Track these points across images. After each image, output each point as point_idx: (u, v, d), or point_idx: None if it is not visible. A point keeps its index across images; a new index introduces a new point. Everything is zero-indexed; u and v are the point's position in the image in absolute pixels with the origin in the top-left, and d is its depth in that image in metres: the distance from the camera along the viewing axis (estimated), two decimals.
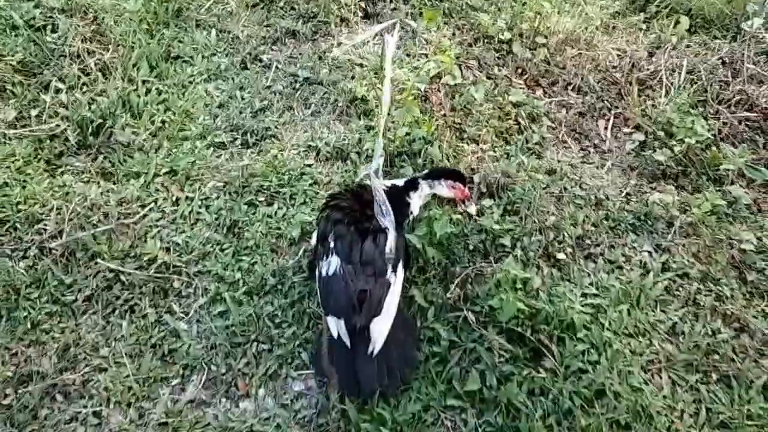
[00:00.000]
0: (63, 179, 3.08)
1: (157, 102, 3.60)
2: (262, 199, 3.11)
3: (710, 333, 2.72)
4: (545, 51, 4.21)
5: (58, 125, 3.32)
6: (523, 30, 4.44)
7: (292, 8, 4.41)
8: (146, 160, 3.21)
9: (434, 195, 2.93)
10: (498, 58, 4.20)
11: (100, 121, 3.36)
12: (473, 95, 3.54)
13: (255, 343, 2.57)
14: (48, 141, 3.28)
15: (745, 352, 2.67)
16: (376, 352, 2.27)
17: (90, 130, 3.33)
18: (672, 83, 4.26)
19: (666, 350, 2.65)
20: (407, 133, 3.23)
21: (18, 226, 2.85)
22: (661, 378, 2.56)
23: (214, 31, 4.16)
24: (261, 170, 3.20)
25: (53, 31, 3.86)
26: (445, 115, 3.54)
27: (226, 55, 4.04)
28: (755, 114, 4.19)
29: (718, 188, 3.40)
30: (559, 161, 3.44)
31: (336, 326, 2.29)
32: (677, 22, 4.85)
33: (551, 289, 2.79)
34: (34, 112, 3.40)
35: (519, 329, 2.61)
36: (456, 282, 2.78)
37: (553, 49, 4.31)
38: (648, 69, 4.42)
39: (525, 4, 4.63)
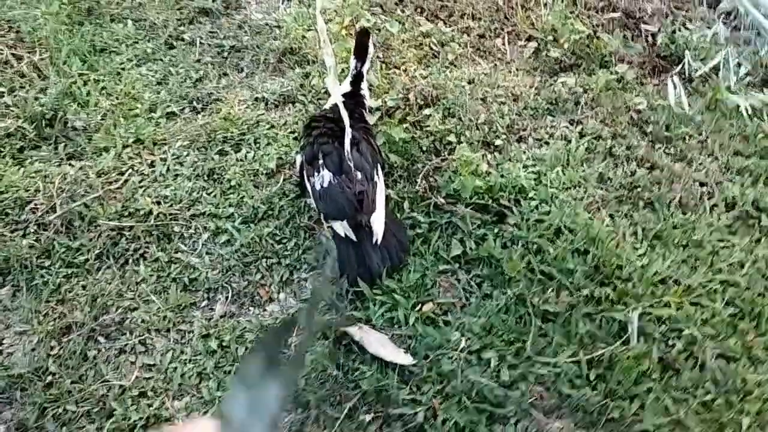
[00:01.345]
0: (35, 167, 3.23)
1: (98, 90, 3.78)
2: (228, 148, 3.39)
3: (630, 174, 3.31)
4: None
5: (12, 123, 3.42)
6: None
7: None
8: (110, 137, 3.40)
9: None
10: (396, 3, 4.66)
11: (52, 113, 3.50)
12: (389, 30, 3.98)
13: (264, 259, 2.88)
14: (6, 139, 3.39)
15: (659, 182, 3.28)
16: (379, 240, 2.66)
17: (44, 122, 3.47)
18: (547, 2, 4.89)
19: (599, 194, 3.20)
20: (343, 70, 3.61)
21: (8, 211, 2.99)
22: (601, 213, 3.12)
23: (130, 22, 4.34)
24: (220, 125, 3.48)
25: None
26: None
27: (149, 41, 4.25)
28: (618, 14, 4.91)
29: (606, 69, 4.03)
30: (476, 72, 3.94)
31: (341, 227, 2.66)
32: None
33: (498, 168, 3.28)
34: None
35: (482, 202, 3.08)
36: (420, 177, 3.21)
37: None
38: None
39: None
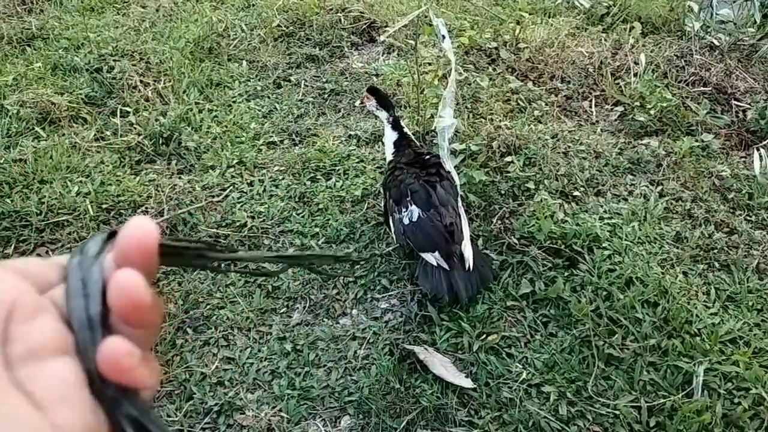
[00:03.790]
0: (149, 177, 3.61)
1: (210, 118, 4.19)
2: (320, 176, 3.67)
3: (707, 236, 3.33)
4: (528, 53, 4.96)
5: (134, 138, 3.85)
6: (506, 40, 5.20)
7: (308, 39, 5.10)
8: (217, 158, 3.76)
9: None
10: (489, 63, 4.92)
11: (169, 133, 3.91)
12: (479, 83, 4.22)
13: (342, 277, 3.08)
14: (127, 151, 3.81)
15: (737, 246, 3.28)
16: (471, 265, 2.83)
17: (161, 140, 3.88)
18: (637, 72, 5.03)
19: (674, 252, 3.24)
20: (432, 115, 3.86)
21: (122, 212, 3.36)
22: (675, 270, 3.14)
23: (245, 63, 4.80)
24: (314, 156, 3.78)
25: (109, 71, 4.45)
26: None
27: (259, 80, 4.67)
28: (709, 89, 4.98)
29: (692, 137, 4.09)
30: (560, 129, 4.10)
31: (433, 258, 2.84)
32: (632, 28, 5.69)
33: (574, 217, 3.39)
34: (109, 132, 3.95)
35: (555, 246, 3.18)
36: (496, 218, 3.36)
37: (534, 51, 5.06)
38: (613, 64, 5.21)
39: (503, 22, 5.42)
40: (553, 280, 3.05)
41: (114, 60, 4.54)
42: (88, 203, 3.35)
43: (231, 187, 3.58)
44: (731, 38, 5.61)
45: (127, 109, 4.13)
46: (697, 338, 2.78)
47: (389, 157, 3.23)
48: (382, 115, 3.26)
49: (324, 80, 4.66)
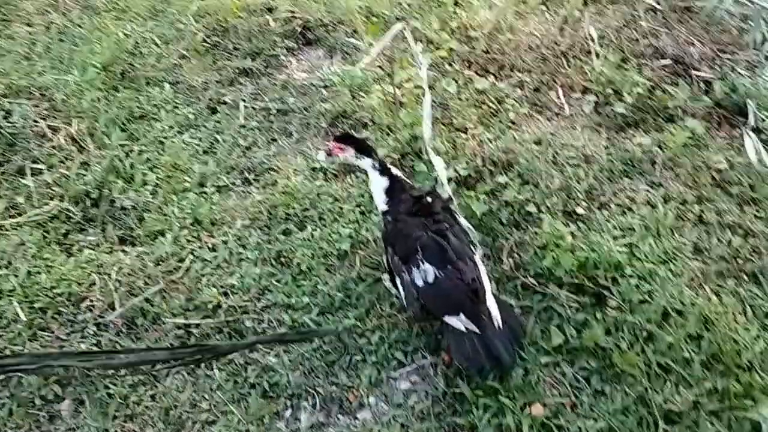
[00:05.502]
0: (85, 255, 2.96)
1: (141, 162, 3.53)
2: (292, 226, 3.15)
3: (726, 243, 3.08)
4: (483, 43, 4.54)
5: (56, 206, 3.16)
6: (453, 27, 4.76)
7: (236, 48, 4.45)
8: (163, 218, 3.15)
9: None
10: (443, 58, 4.46)
11: (97, 191, 3.25)
12: (447, 89, 3.77)
13: (348, 357, 2.61)
14: (50, 223, 3.13)
15: (758, 251, 3.05)
16: (501, 324, 2.43)
17: (89, 202, 3.22)
18: (592, 50, 4.73)
19: (697, 267, 2.97)
20: (411, 135, 3.40)
21: (62, 309, 2.72)
22: (705, 290, 2.87)
23: (167, 85, 4.12)
24: (280, 200, 3.24)
25: (6, 117, 3.67)
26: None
27: (188, 105, 4.02)
28: (668, 61, 4.75)
29: (674, 124, 3.83)
30: (541, 132, 3.73)
31: (458, 322, 2.41)
32: None
33: (584, 239, 3.05)
34: (20, 199, 3.23)
35: (576, 281, 2.84)
36: (504, 254, 2.97)
37: (487, 39, 4.64)
38: (566, 42, 4.89)
39: (441, 5, 4.97)
40: (584, 324, 2.72)
41: (8, 101, 3.74)
42: (16, 305, 2.69)
43: (190, 256, 3.00)
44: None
45: (38, 166, 3.42)
46: (751, 372, 2.52)
47: (382, 206, 2.74)
48: (365, 162, 2.74)
49: (266, 98, 4.06)
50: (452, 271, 2.48)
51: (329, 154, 2.78)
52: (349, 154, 2.72)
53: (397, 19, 4.75)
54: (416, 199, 2.68)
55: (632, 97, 3.98)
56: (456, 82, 3.99)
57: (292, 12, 4.65)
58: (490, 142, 3.56)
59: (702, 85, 4.53)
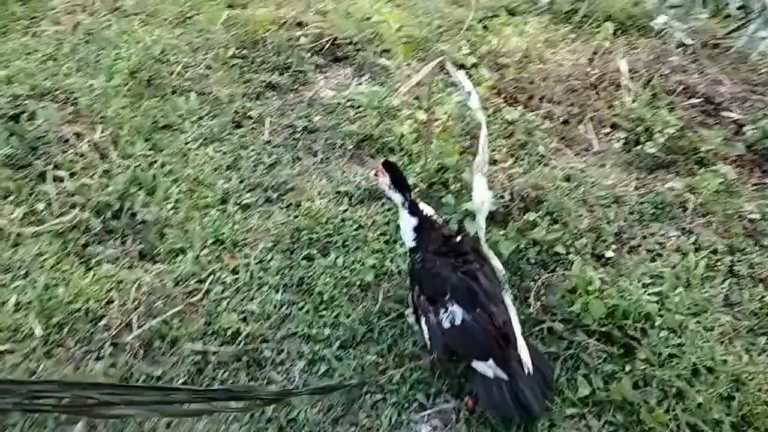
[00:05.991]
0: (104, 269, 2.90)
1: (164, 174, 3.48)
2: (315, 251, 3.08)
3: (758, 298, 3.01)
4: (513, 71, 4.48)
5: (76, 215, 3.11)
6: (482, 53, 4.71)
7: (264, 62, 4.41)
8: (185, 236, 3.09)
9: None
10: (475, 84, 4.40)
11: (118, 203, 3.20)
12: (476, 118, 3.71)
13: (368, 395, 2.54)
14: (69, 233, 3.08)
15: None
16: (532, 371, 2.35)
17: (110, 214, 3.17)
18: (620, 82, 4.67)
19: (727, 321, 2.89)
20: (440, 165, 3.34)
21: (78, 326, 2.66)
22: (734, 347, 2.80)
23: (193, 95, 4.07)
24: (304, 224, 3.18)
25: (29, 119, 3.63)
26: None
27: (214, 117, 3.97)
28: (700, 100, 4.69)
29: (707, 169, 3.76)
30: (570, 168, 3.67)
31: (486, 367, 2.34)
32: (599, 26, 5.36)
33: (613, 285, 2.98)
34: (40, 206, 3.18)
35: (604, 329, 2.76)
36: (532, 296, 2.90)
37: (516, 67, 4.59)
38: (594, 73, 4.84)
39: (470, 28, 4.93)
40: (612, 376, 2.65)
41: (33, 102, 3.70)
42: (33, 318, 2.63)
43: (210, 277, 2.93)
44: (697, 35, 5.39)
45: (60, 172, 3.36)
46: None
47: (410, 244, 2.67)
48: (396, 198, 2.67)
49: (292, 115, 4.01)
50: (482, 314, 2.41)
51: (375, 174, 2.76)
52: (384, 181, 2.67)
53: (426, 40, 4.72)
54: (446, 239, 2.61)
55: (663, 137, 3.91)
56: (485, 109, 3.92)
57: (323, 28, 4.61)
58: (520, 176, 3.50)
59: (732, 126, 4.47)
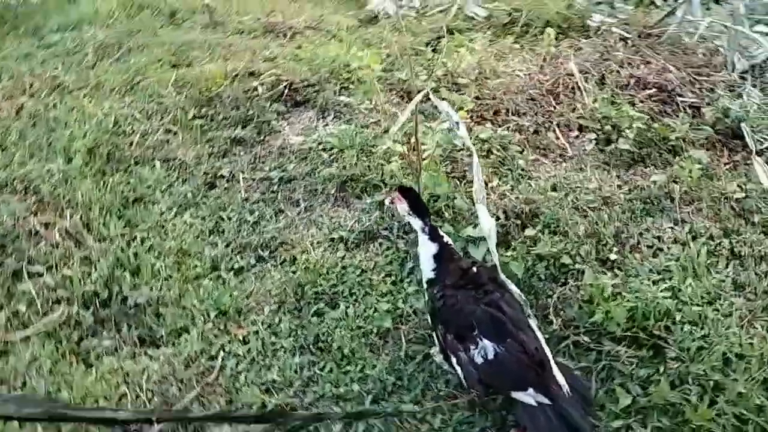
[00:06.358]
0: (106, 364, 2.72)
1: (146, 250, 3.32)
2: (323, 305, 2.98)
3: (764, 276, 3.05)
4: (473, 89, 4.50)
5: (64, 312, 2.92)
6: (440, 77, 4.73)
7: (225, 118, 4.30)
8: (184, 312, 2.94)
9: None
10: (435, 108, 4.40)
11: (105, 291, 3.02)
12: (453, 141, 3.69)
13: None
14: (60, 331, 2.88)
15: None
16: (568, 389, 2.29)
17: (98, 303, 2.99)
18: (580, 85, 4.76)
19: (741, 304, 2.92)
20: (431, 195, 3.29)
21: (92, 429, 2.47)
22: (756, 328, 2.82)
23: (157, 163, 3.92)
24: (304, 278, 3.07)
25: None
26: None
27: (184, 182, 3.83)
28: (653, 90, 4.82)
29: (680, 156, 3.84)
30: (553, 176, 3.68)
31: (528, 397, 2.27)
32: (542, 32, 5.49)
33: (625, 287, 2.97)
34: (22, 307, 2.98)
35: (629, 333, 2.75)
36: (551, 311, 2.87)
37: (475, 84, 4.61)
38: (547, 79, 4.92)
39: (431, 56, 4.96)
40: (648, 380, 2.62)
41: None
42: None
43: (221, 352, 2.78)
44: (632, 27, 5.58)
45: (36, 267, 3.16)
46: None
47: (428, 274, 2.60)
48: (416, 223, 2.63)
49: (265, 167, 3.90)
50: (512, 344, 2.35)
51: (392, 201, 2.73)
52: (402, 208, 2.62)
53: (384, 70, 4.70)
54: (464, 271, 2.55)
55: (632, 132, 3.98)
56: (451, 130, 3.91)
57: (277, 75, 4.53)
58: (509, 193, 3.48)
59: (690, 110, 4.59)
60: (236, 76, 4.59)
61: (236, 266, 3.24)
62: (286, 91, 4.48)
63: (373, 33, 5.67)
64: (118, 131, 4.17)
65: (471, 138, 3.79)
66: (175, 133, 4.17)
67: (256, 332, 2.86)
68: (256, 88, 4.42)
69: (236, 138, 4.12)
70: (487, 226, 2.65)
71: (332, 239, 3.34)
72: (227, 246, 3.37)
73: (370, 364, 2.70)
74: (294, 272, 3.15)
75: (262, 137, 4.17)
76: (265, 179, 3.82)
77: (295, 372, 2.69)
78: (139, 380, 2.63)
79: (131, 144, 4.05)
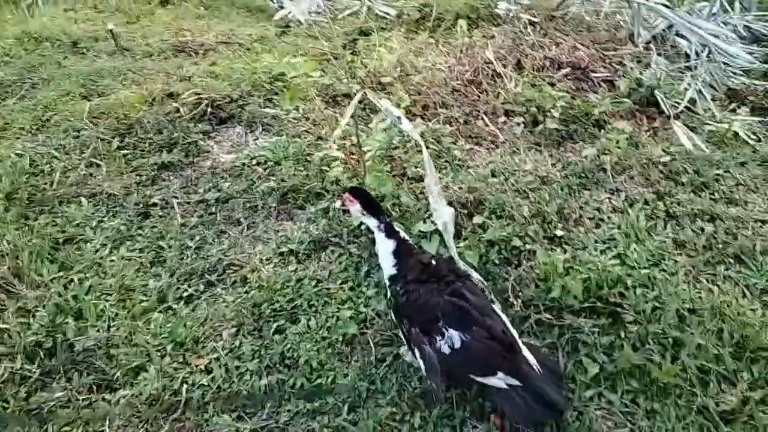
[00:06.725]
0: (63, 417, 2.55)
1: (85, 292, 3.14)
2: (284, 321, 2.90)
3: (700, 232, 3.20)
4: (399, 88, 4.52)
5: (7, 367, 2.72)
6: (363, 78, 4.72)
7: (149, 144, 4.13)
8: (138, 350, 2.79)
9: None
10: (362, 109, 4.40)
11: (49, 341, 2.84)
12: (393, 140, 3.69)
13: None
14: (5, 389, 2.68)
15: (730, 232, 3.19)
16: (539, 368, 2.32)
17: (43, 354, 2.81)
18: (501, 72, 4.86)
19: (686, 261, 3.05)
20: (377, 195, 3.27)
21: None
22: (701, 282, 2.95)
23: (83, 200, 3.72)
24: (261, 297, 2.99)
25: None
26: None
27: (115, 216, 3.65)
28: (567, 69, 4.98)
29: (605, 129, 3.99)
30: (490, 163, 3.74)
31: (498, 380, 2.28)
32: (454, 24, 5.60)
33: (576, 261, 3.05)
34: None
35: (586, 304, 2.82)
36: (510, 294, 2.90)
37: (399, 83, 4.64)
38: (467, 70, 5.01)
39: (350, 58, 4.94)
40: (611, 346, 2.69)
41: None
42: None
43: (184, 385, 2.66)
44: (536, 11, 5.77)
45: None
46: None
47: (390, 271, 2.59)
48: (371, 222, 2.61)
49: (199, 190, 3.78)
50: (479, 330, 2.36)
51: (343, 203, 2.74)
52: (355, 209, 2.59)
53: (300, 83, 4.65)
54: (424, 265, 2.55)
55: (558, 111, 4.10)
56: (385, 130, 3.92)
57: (197, 94, 4.40)
58: (451, 184, 3.51)
59: (604, 85, 4.79)
60: (154, 99, 4.42)
61: (185, 295, 3.11)
62: (209, 109, 4.35)
63: (289, 42, 5.61)
64: (36, 171, 3.93)
65: (406, 134, 3.81)
66: (98, 166, 3.96)
67: (218, 359, 2.75)
68: (177, 110, 4.27)
69: (164, 163, 3.97)
70: (447, 214, 2.65)
71: (282, 253, 3.27)
72: (172, 275, 3.23)
73: (341, 373, 2.65)
74: (247, 292, 3.06)
75: (190, 159, 4.03)
76: (201, 202, 3.69)
77: (265, 393, 2.61)
78: (101, 428, 2.48)
79: (52, 183, 3.82)
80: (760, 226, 3.23)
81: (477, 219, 3.25)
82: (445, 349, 2.35)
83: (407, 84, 4.59)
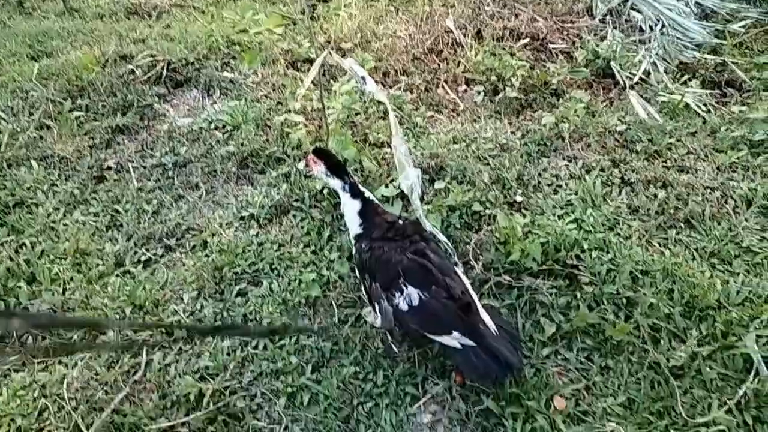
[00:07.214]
0: (17, 380, 2.49)
1: (37, 256, 3.06)
2: (246, 284, 2.89)
3: (653, 197, 3.30)
4: (358, 54, 4.49)
5: None
6: (323, 43, 4.66)
7: (103, 106, 4.00)
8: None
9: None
10: (323, 74, 4.35)
11: (1, 303, 2.76)
12: (353, 107, 3.67)
13: (360, 407, 2.44)
14: None
15: (680, 198, 3.30)
16: (495, 329, 2.37)
17: None
18: (461, 41, 4.88)
19: (640, 225, 3.15)
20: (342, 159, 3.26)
21: None
22: (653, 246, 3.05)
23: (33, 163, 3.60)
24: (222, 260, 2.96)
25: None
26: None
27: (68, 179, 3.55)
28: (527, 40, 5.02)
29: (563, 99, 4.05)
30: (451, 130, 3.76)
31: (452, 340, 2.32)
32: None
33: (535, 225, 3.11)
34: None
35: (544, 267, 2.88)
36: (470, 257, 2.95)
37: (360, 49, 4.60)
38: (427, 38, 5.00)
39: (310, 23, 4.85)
40: (568, 306, 2.77)
41: None
42: None
43: (146, 349, 2.62)
44: None
45: None
46: (722, 312, 2.72)
47: (356, 230, 2.60)
48: (336, 183, 2.60)
49: (155, 154, 3.69)
50: (438, 290, 2.39)
51: (307, 164, 2.71)
52: (319, 170, 2.58)
53: (260, 45, 4.57)
54: (390, 224, 2.56)
55: (518, 80, 4.14)
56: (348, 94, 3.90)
57: (152, 56, 4.27)
58: (413, 150, 3.52)
59: (562, 56, 4.84)
60: (107, 61, 4.28)
61: (143, 259, 3.06)
62: (165, 72, 4.23)
63: (247, 6, 5.49)
64: None
65: (367, 100, 3.80)
66: (49, 128, 3.83)
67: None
68: (132, 72, 4.15)
69: (118, 126, 3.86)
70: (413, 175, 2.66)
71: (242, 218, 3.23)
72: (129, 239, 3.17)
73: (306, 335, 2.66)
74: (208, 256, 3.02)
75: (146, 123, 3.93)
76: (158, 166, 3.61)
77: (228, 355, 2.60)
78: (58, 391, 2.43)
79: (0, 145, 3.67)
80: (710, 193, 3.34)
81: (439, 184, 3.27)
82: (404, 306, 2.38)
83: (368, 51, 4.55)
